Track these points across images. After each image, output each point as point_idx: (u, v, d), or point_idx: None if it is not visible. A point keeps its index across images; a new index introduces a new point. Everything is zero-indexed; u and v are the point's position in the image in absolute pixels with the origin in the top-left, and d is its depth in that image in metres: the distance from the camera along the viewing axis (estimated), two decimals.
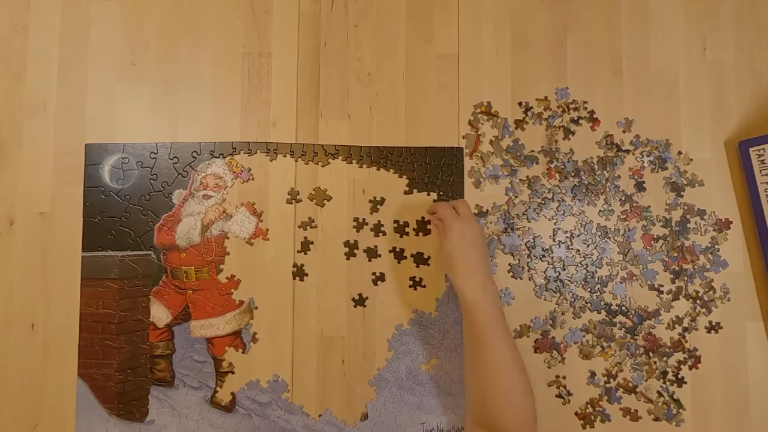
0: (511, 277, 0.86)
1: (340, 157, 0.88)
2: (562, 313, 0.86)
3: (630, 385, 0.85)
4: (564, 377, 0.85)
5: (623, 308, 0.86)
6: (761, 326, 0.86)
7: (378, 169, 0.87)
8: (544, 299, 0.86)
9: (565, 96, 0.89)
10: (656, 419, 0.84)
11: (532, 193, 0.88)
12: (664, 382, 0.85)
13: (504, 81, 0.90)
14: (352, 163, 0.88)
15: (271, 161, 0.87)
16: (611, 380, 0.85)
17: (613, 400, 0.85)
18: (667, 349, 0.85)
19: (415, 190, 0.87)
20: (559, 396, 0.85)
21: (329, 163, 0.88)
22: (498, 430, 0.71)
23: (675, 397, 0.85)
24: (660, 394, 0.85)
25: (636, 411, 0.84)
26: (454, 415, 0.84)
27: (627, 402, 0.85)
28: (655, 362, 0.85)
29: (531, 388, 0.73)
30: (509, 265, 0.87)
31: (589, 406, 0.85)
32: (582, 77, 0.90)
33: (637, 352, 0.85)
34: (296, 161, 0.88)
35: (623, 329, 0.85)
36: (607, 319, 0.86)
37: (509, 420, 0.71)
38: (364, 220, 0.87)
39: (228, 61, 0.89)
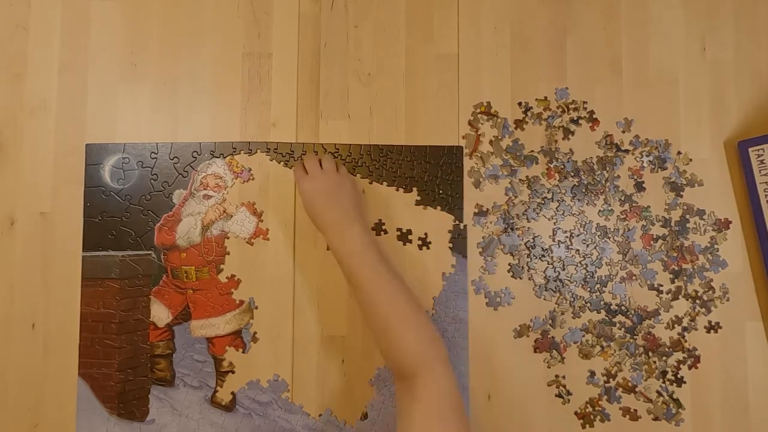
0: (511, 277, 0.87)
1: (340, 157, 0.88)
2: (562, 313, 0.86)
3: (630, 384, 0.85)
4: (564, 377, 0.85)
5: (623, 308, 0.86)
6: (761, 326, 0.86)
7: (379, 176, 0.88)
8: (544, 299, 0.86)
9: (565, 96, 0.89)
10: (656, 419, 0.84)
11: (531, 193, 0.88)
12: (664, 382, 0.85)
13: (504, 81, 0.90)
14: (352, 163, 0.88)
15: (271, 161, 0.88)
16: (611, 380, 0.85)
17: (613, 399, 0.85)
18: (667, 349, 0.86)
19: (415, 189, 0.88)
20: (559, 396, 0.85)
21: None
22: (403, 372, 0.69)
23: (674, 396, 0.85)
24: (659, 394, 0.85)
25: (636, 411, 0.85)
26: None
27: (627, 402, 0.85)
28: (654, 362, 0.85)
29: (431, 326, 0.72)
30: (509, 264, 0.87)
31: (588, 405, 0.85)
32: (582, 77, 0.90)
33: (637, 351, 0.85)
34: (297, 161, 0.88)
35: (623, 329, 0.86)
36: (607, 318, 0.86)
37: (406, 356, 0.69)
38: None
39: (228, 62, 0.89)
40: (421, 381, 0.67)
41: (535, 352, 0.85)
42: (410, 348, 0.70)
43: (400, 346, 0.70)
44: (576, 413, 0.85)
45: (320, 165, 0.82)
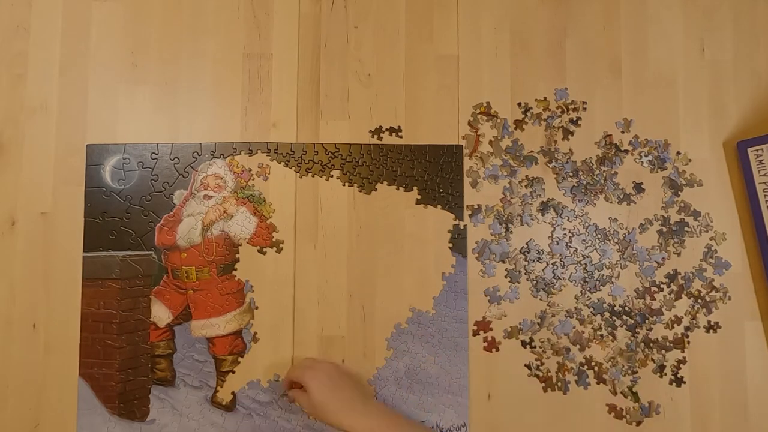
0: (510, 282, 0.87)
1: (340, 157, 0.88)
2: (553, 315, 0.86)
3: (604, 376, 0.85)
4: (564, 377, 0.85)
5: (626, 308, 0.86)
6: (760, 325, 0.86)
7: (379, 176, 0.88)
8: (540, 299, 0.86)
9: (564, 96, 0.90)
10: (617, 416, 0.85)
11: (531, 193, 0.88)
12: (661, 376, 0.85)
13: (503, 81, 0.90)
14: (352, 163, 0.88)
15: (271, 161, 0.88)
16: (586, 367, 0.85)
17: (581, 383, 0.85)
18: (668, 343, 0.86)
19: (415, 188, 0.88)
20: (559, 389, 0.85)
21: (330, 162, 0.88)
22: None
23: (634, 390, 0.85)
24: (625, 394, 0.85)
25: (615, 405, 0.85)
26: (454, 413, 0.84)
27: (594, 391, 0.85)
28: (648, 354, 0.85)
29: None
30: (506, 270, 0.87)
31: (557, 373, 0.85)
32: (581, 78, 0.90)
33: (638, 347, 0.85)
34: (297, 161, 0.88)
35: (624, 326, 0.86)
36: (610, 320, 0.86)
37: None
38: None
39: (229, 62, 0.89)
40: None
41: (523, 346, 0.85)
42: None
43: None
44: (538, 376, 0.85)
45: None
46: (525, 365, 0.85)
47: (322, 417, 0.75)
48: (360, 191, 0.88)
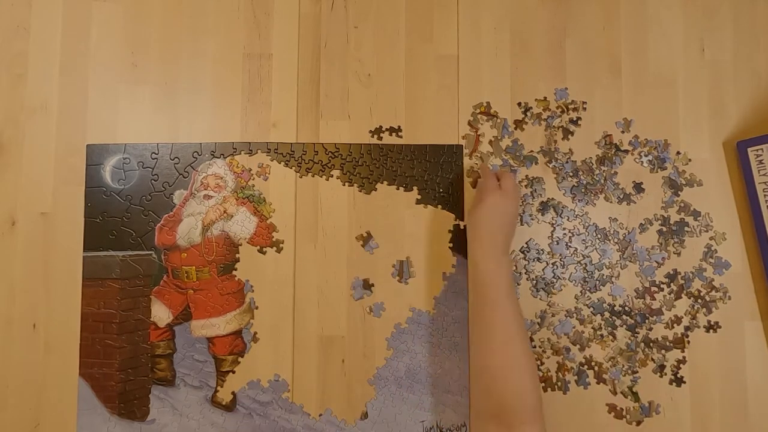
0: None
1: (340, 157, 0.88)
2: (552, 315, 0.86)
3: (604, 376, 0.85)
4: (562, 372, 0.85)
5: (626, 308, 0.86)
6: (760, 326, 0.86)
7: (379, 176, 0.88)
8: (540, 299, 0.86)
9: (564, 96, 0.90)
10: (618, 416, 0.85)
11: (531, 193, 0.88)
12: (661, 376, 0.85)
13: (503, 81, 0.90)
14: (352, 163, 0.88)
15: (271, 161, 0.88)
16: (585, 366, 0.85)
17: (581, 383, 0.85)
18: (668, 343, 0.86)
19: (415, 188, 0.88)
20: (559, 389, 0.85)
21: (330, 162, 0.88)
22: (505, 415, 0.69)
23: (634, 390, 0.85)
24: (625, 394, 0.84)
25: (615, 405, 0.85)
26: (454, 413, 0.84)
27: (594, 391, 0.85)
28: (648, 354, 0.85)
29: (537, 373, 0.70)
30: None
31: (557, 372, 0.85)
32: (581, 78, 0.90)
33: (638, 348, 0.85)
34: (297, 161, 0.88)
35: (624, 326, 0.86)
36: (610, 320, 0.86)
37: (517, 401, 0.69)
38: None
39: (229, 62, 0.89)
40: (529, 429, 0.68)
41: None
42: (529, 393, 0.69)
43: (518, 377, 0.70)
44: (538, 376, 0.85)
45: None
46: None
47: (468, 225, 0.79)
48: (360, 191, 0.88)
